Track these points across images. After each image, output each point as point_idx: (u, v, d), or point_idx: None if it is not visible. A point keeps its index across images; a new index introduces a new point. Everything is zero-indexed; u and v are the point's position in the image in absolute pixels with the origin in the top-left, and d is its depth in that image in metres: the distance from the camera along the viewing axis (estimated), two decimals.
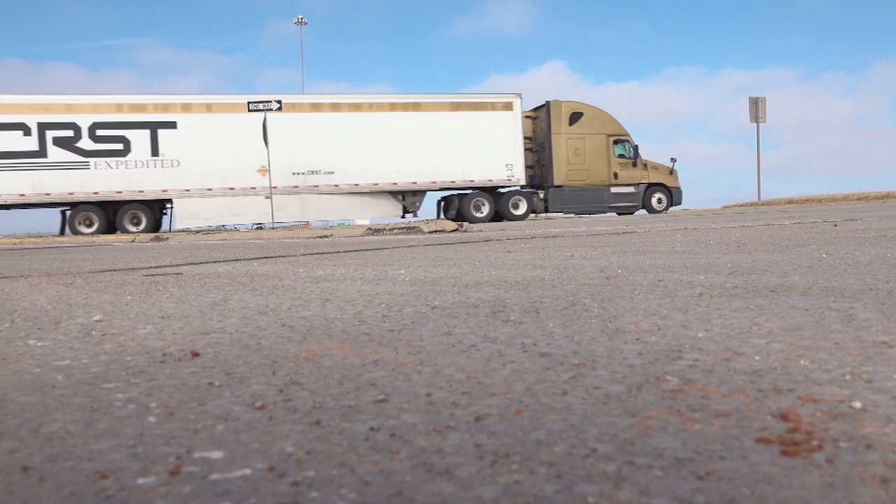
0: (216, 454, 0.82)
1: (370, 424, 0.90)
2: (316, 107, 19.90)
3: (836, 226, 5.76)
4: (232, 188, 19.22)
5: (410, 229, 9.27)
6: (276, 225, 18.33)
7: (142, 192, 18.63)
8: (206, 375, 1.21)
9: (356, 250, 5.32)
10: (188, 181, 18.87)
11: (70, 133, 18.23)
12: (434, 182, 20.63)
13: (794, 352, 1.20)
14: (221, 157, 18.96)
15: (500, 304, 1.94)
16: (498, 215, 21.45)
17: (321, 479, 0.73)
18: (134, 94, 19.01)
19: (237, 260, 4.64)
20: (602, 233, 6.65)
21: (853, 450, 0.75)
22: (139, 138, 18.64)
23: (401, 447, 0.82)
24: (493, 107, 21.03)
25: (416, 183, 20.45)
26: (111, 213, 18.72)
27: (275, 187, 19.06)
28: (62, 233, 18.83)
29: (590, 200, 21.78)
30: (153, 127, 18.75)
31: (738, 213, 13.59)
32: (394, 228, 9.68)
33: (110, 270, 4.07)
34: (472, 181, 20.89)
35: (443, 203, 22.46)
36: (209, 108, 19.18)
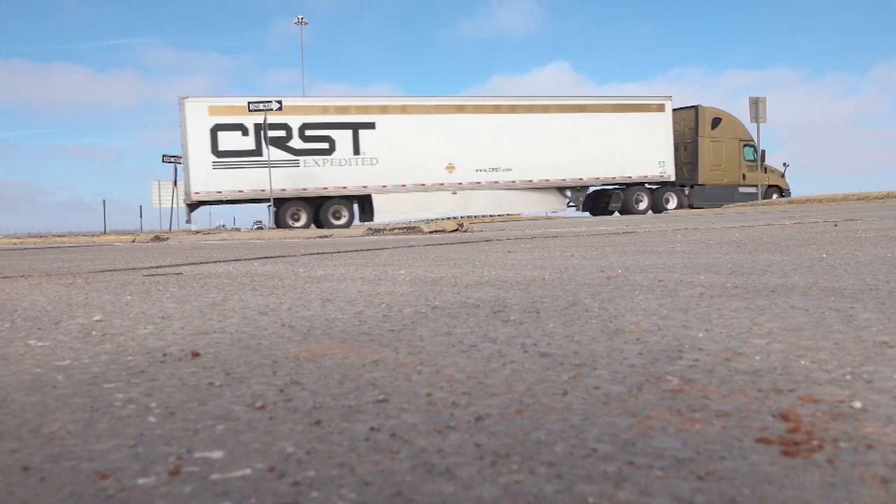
0: (216, 454, 0.82)
1: (370, 424, 0.90)
2: (496, 108, 20.94)
3: (836, 226, 5.76)
4: (423, 184, 20.13)
5: (410, 229, 9.27)
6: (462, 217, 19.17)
7: (345, 188, 19.51)
8: (207, 375, 1.21)
9: (356, 250, 5.32)
10: (385, 178, 19.74)
11: (282, 133, 19.07)
12: (597, 178, 21.83)
13: (794, 352, 1.20)
14: (414, 155, 19.88)
15: (501, 304, 1.94)
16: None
17: (321, 479, 0.73)
18: (338, 97, 20.10)
19: (237, 260, 4.65)
20: (602, 233, 6.65)
21: (853, 450, 0.75)
22: (343, 138, 19.58)
23: (401, 447, 0.82)
24: (647, 108, 22.27)
25: (581, 179, 21.59)
26: (314, 208, 19.55)
27: (460, 183, 20.21)
28: (276, 226, 19.44)
29: (723, 198, 23.05)
30: (355, 127, 19.68)
31: (738, 213, 13.58)
32: (394, 228, 9.68)
33: (110, 270, 4.07)
34: (630, 177, 22.12)
35: (589, 198, 23.61)
36: (404, 109, 20.18)
